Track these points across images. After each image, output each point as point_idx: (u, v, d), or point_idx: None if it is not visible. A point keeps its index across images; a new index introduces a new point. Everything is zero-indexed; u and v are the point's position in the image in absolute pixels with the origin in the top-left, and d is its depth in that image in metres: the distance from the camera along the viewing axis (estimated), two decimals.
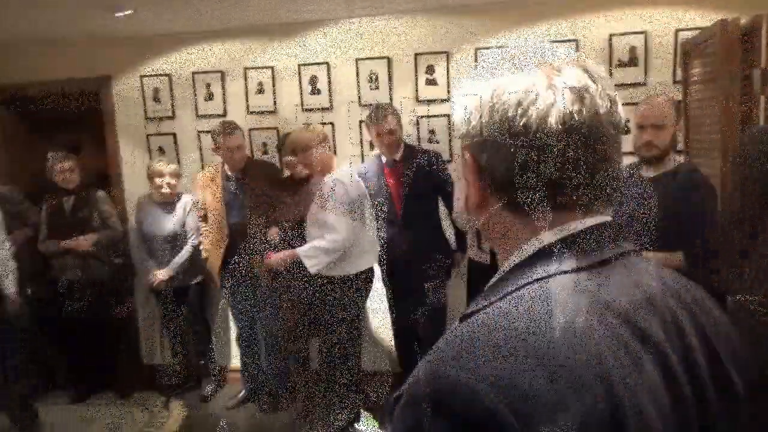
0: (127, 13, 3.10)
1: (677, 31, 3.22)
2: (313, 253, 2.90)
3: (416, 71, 3.53)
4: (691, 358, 0.66)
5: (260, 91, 3.73)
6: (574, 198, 0.67)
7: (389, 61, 3.55)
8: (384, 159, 3.24)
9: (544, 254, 0.67)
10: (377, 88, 3.58)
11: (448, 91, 3.50)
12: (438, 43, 3.49)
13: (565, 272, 0.64)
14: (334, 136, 3.62)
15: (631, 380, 0.59)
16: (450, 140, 3.54)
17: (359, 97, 3.61)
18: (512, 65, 0.69)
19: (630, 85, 3.28)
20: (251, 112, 3.76)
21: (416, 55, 3.51)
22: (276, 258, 3.04)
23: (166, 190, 3.54)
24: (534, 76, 0.66)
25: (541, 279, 0.64)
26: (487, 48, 3.43)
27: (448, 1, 3.36)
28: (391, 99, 3.57)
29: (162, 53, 3.82)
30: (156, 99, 3.86)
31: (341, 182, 2.90)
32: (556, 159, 0.65)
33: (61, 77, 3.87)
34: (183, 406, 3.64)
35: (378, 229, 3.19)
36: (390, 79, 3.57)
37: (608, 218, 0.70)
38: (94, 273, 3.58)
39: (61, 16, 3.23)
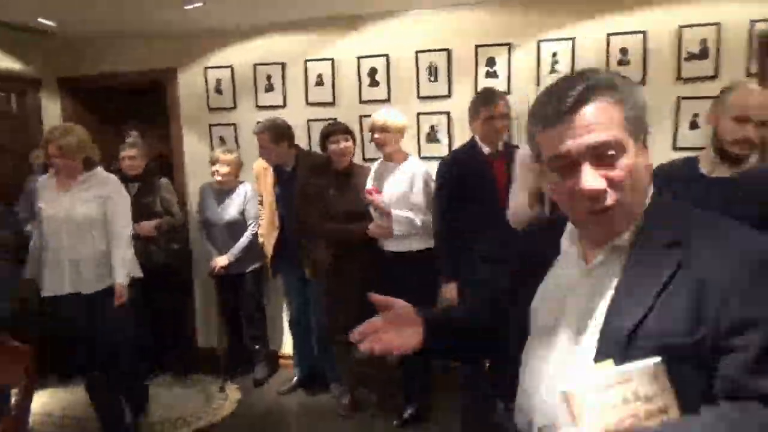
0: (196, 5, 3.19)
1: (752, 22, 3.09)
2: (404, 221, 3.06)
3: (476, 63, 3.51)
4: None
5: (319, 83, 3.78)
6: None
7: (449, 53, 3.54)
8: (485, 149, 2.92)
9: None
10: (436, 80, 3.58)
11: (509, 84, 3.46)
12: (499, 34, 3.45)
13: None
14: None
15: None
16: (509, 131, 3.49)
17: (418, 90, 3.62)
18: None
19: (699, 78, 3.17)
20: (310, 104, 3.82)
21: (477, 47, 3.49)
22: (377, 201, 3.08)
23: (218, 177, 3.64)
24: None
25: None
26: (550, 40, 3.38)
27: None
28: (450, 92, 3.57)
29: (226, 46, 3.93)
30: (218, 90, 3.97)
31: (427, 171, 3.13)
32: None
33: (131, 69, 4.03)
34: (238, 389, 3.73)
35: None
36: (449, 71, 3.55)
37: None
38: (153, 258, 3.70)
39: (130, 10, 3.36)
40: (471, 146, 2.97)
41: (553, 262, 1.10)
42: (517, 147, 3.08)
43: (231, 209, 3.70)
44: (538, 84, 3.41)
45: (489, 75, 3.50)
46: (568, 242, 1.08)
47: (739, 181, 1.91)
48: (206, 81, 3.98)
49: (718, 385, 0.86)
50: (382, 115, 3.12)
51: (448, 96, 3.58)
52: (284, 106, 3.84)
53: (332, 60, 3.74)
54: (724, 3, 3.13)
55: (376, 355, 1.10)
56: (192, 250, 4.10)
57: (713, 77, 3.15)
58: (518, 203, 2.45)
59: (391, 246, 3.16)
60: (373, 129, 3.13)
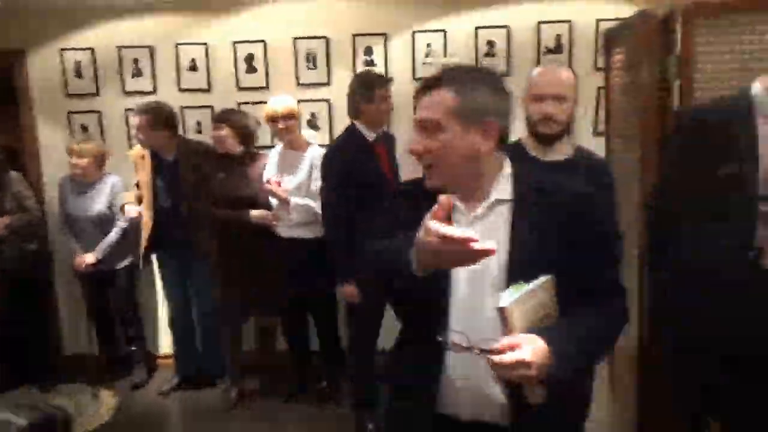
0: None
1: (598, 21, 3.45)
2: (302, 209, 3.05)
3: (354, 52, 3.56)
4: None
5: (193, 68, 3.61)
6: None
7: (327, 41, 3.55)
8: (369, 134, 2.89)
9: None
10: (315, 67, 3.58)
11: (386, 72, 3.55)
12: (375, 24, 3.53)
13: None
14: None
15: None
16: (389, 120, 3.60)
17: (297, 77, 3.59)
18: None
19: None
20: (183, 90, 3.64)
21: (354, 35, 3.53)
22: (277, 190, 3.02)
23: (76, 170, 3.37)
24: None
25: None
26: (424, 31, 3.51)
27: None
28: (329, 79, 3.59)
29: (84, 26, 3.61)
30: (78, 74, 3.64)
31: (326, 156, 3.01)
32: None
33: None
34: (113, 395, 3.50)
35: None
36: (328, 59, 3.57)
37: None
38: (5, 260, 3.35)
39: None
40: (351, 133, 2.90)
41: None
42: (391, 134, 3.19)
43: (97, 203, 3.44)
44: (413, 73, 3.54)
45: (367, 63, 3.57)
46: (454, 199, 1.29)
47: (574, 163, 2.05)
48: (63, 64, 3.63)
49: (582, 282, 1.23)
50: (281, 103, 3.07)
51: (328, 84, 3.60)
52: (154, 91, 3.62)
53: (206, 44, 3.59)
54: (575, 2, 3.46)
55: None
56: (52, 250, 3.74)
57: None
58: None
59: (286, 233, 3.14)
60: (274, 117, 3.06)
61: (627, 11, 3.34)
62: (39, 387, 3.55)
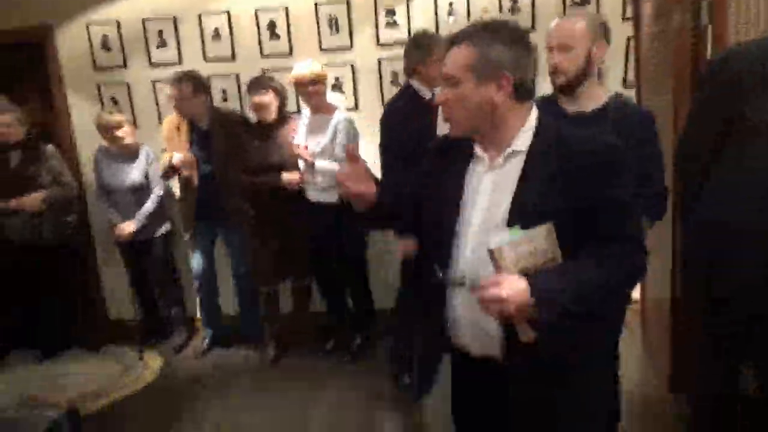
0: None
1: None
2: (327, 172, 3.09)
3: (376, 14, 3.53)
4: None
5: (217, 37, 3.63)
6: None
7: (348, 4, 3.53)
8: (426, 93, 2.83)
9: None
10: (337, 32, 3.57)
11: (409, 33, 3.52)
12: None
13: None
14: None
15: None
16: None
17: (320, 42, 3.59)
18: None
19: None
20: (208, 59, 3.67)
21: None
22: (304, 153, 3.12)
23: (126, 140, 3.47)
24: None
25: None
26: None
27: None
28: (351, 43, 3.58)
29: (108, 0, 3.64)
30: (105, 47, 3.70)
31: (350, 121, 3.13)
32: None
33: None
34: (157, 357, 3.65)
35: None
36: (350, 23, 3.55)
37: None
38: (44, 234, 3.47)
39: None
40: (407, 91, 2.85)
41: (471, 162, 1.42)
42: None
43: (133, 173, 3.53)
44: (437, 31, 3.50)
45: (389, 25, 3.54)
46: (478, 148, 1.40)
47: (604, 114, 1.94)
48: (90, 38, 3.69)
49: (595, 234, 1.27)
50: (311, 67, 3.09)
51: (350, 48, 3.59)
52: (180, 62, 3.66)
53: (228, 13, 3.60)
54: None
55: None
56: (90, 221, 3.86)
57: None
58: None
59: (315, 197, 3.20)
60: (303, 81, 3.09)
61: None
62: (87, 349, 3.74)
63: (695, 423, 2.30)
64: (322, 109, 3.18)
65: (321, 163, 3.11)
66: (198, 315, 3.98)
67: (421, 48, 2.80)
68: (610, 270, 1.25)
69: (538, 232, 1.22)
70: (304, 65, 3.11)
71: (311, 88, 3.08)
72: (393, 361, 3.12)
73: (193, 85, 3.27)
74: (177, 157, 3.28)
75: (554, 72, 1.95)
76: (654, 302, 3.11)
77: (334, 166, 3.09)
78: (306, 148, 3.13)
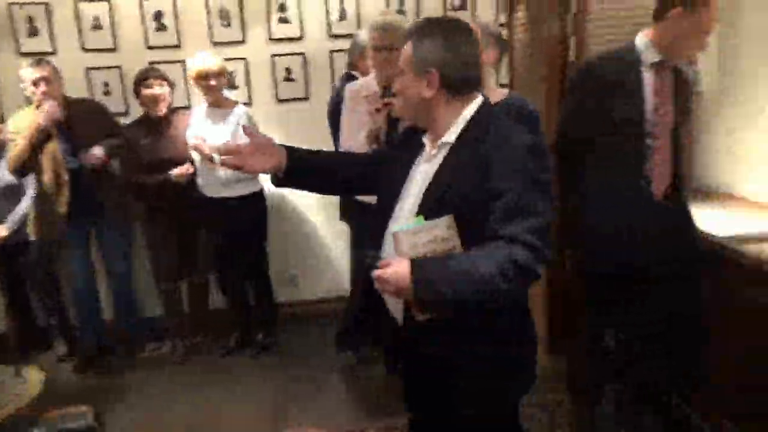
0: None
1: None
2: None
3: (268, 9, 3.55)
4: None
5: (97, 26, 3.43)
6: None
7: None
8: None
9: None
10: (229, 26, 3.54)
11: (302, 29, 3.60)
12: None
13: None
14: (184, 75, 3.48)
15: None
16: (305, 78, 3.67)
17: (211, 35, 3.53)
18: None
19: None
20: (87, 50, 3.46)
21: None
22: (203, 147, 3.04)
23: None
24: None
25: None
26: None
27: None
28: (244, 37, 3.57)
29: None
30: None
31: (250, 115, 3.18)
32: None
33: None
34: (39, 370, 3.37)
35: None
36: (242, 16, 3.54)
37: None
38: None
39: None
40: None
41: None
42: None
43: (3, 173, 3.23)
44: (329, 29, 3.62)
45: (282, 20, 3.59)
46: (425, 139, 1.51)
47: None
48: None
49: (486, 231, 1.32)
50: (211, 60, 3.04)
51: (243, 42, 3.58)
52: (54, 52, 3.41)
53: (109, 1, 3.41)
54: None
55: None
56: None
57: None
58: (358, 142, 2.47)
59: (213, 192, 3.15)
60: (207, 74, 3.03)
61: None
62: None
63: (570, 377, 2.67)
64: (221, 102, 3.15)
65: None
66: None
67: (359, 43, 2.96)
68: (487, 265, 1.26)
69: (438, 222, 1.30)
70: (207, 57, 3.06)
71: (213, 82, 3.05)
72: (341, 343, 3.18)
73: (53, 67, 3.07)
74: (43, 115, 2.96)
75: None
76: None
77: None
78: (205, 141, 3.09)
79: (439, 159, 1.43)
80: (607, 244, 2.23)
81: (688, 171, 2.33)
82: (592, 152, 2.26)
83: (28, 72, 3.02)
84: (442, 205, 1.34)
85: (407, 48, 1.42)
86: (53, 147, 3.10)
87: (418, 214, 1.37)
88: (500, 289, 1.27)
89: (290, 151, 1.53)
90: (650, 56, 2.13)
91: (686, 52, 2.11)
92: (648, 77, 2.14)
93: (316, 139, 3.49)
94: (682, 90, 2.19)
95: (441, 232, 1.30)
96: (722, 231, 2.27)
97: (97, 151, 3.07)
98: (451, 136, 1.43)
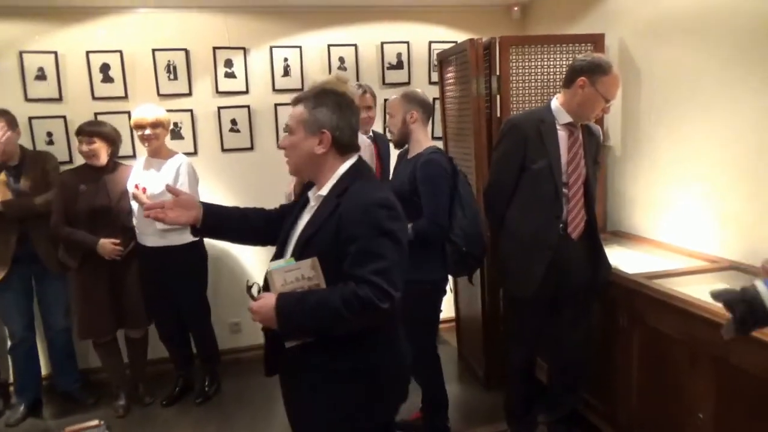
0: None
1: (430, 42, 4.05)
2: None
3: (215, 64, 3.72)
4: None
5: (41, 77, 3.48)
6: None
7: (187, 52, 3.67)
8: None
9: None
10: (176, 78, 3.67)
11: (247, 84, 3.78)
12: (235, 38, 3.73)
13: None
14: (130, 125, 3.55)
15: None
16: (250, 129, 3.83)
17: (158, 87, 3.65)
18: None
19: (398, 84, 4.01)
20: (30, 100, 3.48)
21: (214, 48, 3.70)
22: (142, 197, 3.11)
23: None
24: None
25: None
26: (281, 47, 3.80)
27: (242, 1, 3.63)
28: (190, 90, 3.71)
29: None
30: None
31: (191, 164, 3.24)
32: None
33: None
34: None
35: None
36: (189, 70, 3.69)
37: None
38: None
39: None
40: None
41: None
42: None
43: None
44: (273, 85, 3.82)
45: (228, 75, 3.76)
46: (310, 193, 1.74)
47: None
48: None
49: (344, 271, 1.50)
50: (150, 111, 3.12)
51: (189, 94, 3.72)
52: None
53: (56, 53, 3.48)
54: (411, 26, 4.02)
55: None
56: None
57: (407, 83, 4.04)
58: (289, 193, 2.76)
59: (152, 242, 3.19)
60: (141, 125, 3.11)
61: (452, 35, 4.01)
62: None
63: (507, 409, 2.86)
64: (161, 153, 3.22)
65: None
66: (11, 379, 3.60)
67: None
68: (335, 299, 1.45)
69: (305, 262, 1.52)
70: (147, 109, 3.15)
71: (151, 132, 3.14)
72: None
73: (8, 119, 3.11)
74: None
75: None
76: (468, 320, 3.71)
77: None
78: (144, 190, 3.14)
79: (314, 209, 1.65)
80: (528, 274, 2.49)
81: (599, 215, 2.63)
82: (516, 194, 2.54)
83: None
84: (308, 248, 1.55)
85: (301, 109, 1.63)
86: (3, 190, 3.09)
87: (291, 256, 1.59)
88: (345, 318, 1.45)
89: (206, 206, 1.77)
90: (562, 117, 2.44)
91: (591, 115, 2.44)
92: (563, 135, 2.45)
93: (260, 185, 3.71)
94: (591, 146, 2.52)
95: (306, 271, 1.51)
96: (633, 268, 2.57)
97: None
98: (324, 190, 1.64)
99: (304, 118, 1.62)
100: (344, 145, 1.64)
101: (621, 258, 2.76)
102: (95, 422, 2.70)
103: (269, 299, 1.51)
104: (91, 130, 3.13)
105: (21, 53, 3.44)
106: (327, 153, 1.62)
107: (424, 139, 2.68)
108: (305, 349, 1.57)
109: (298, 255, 1.56)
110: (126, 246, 3.18)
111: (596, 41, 3.19)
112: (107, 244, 3.12)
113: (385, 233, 1.50)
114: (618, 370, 2.57)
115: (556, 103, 2.48)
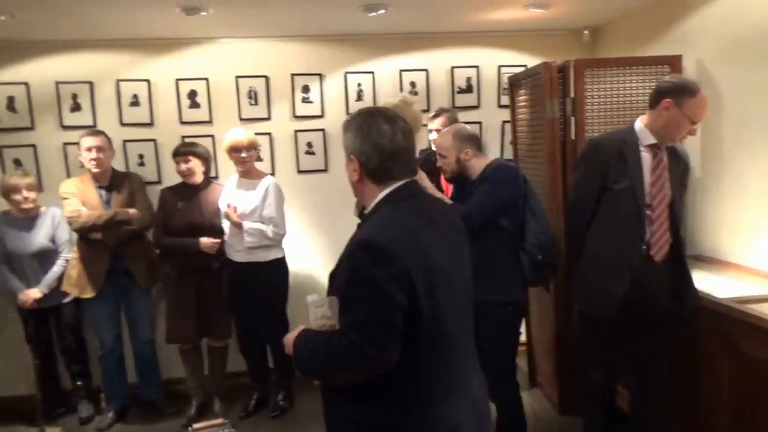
0: (1, 18, 2.94)
1: (499, 67, 4.11)
2: (255, 232, 3.30)
3: (293, 90, 3.90)
4: (464, 252, 1.57)
5: (135, 103, 3.74)
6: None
7: (267, 79, 3.86)
8: None
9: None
10: (256, 104, 3.87)
11: (322, 108, 3.93)
12: (312, 65, 3.91)
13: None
14: (214, 149, 3.78)
15: (438, 248, 1.44)
16: (325, 151, 3.97)
17: (239, 112, 3.85)
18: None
19: (468, 107, 4.08)
20: (125, 124, 3.74)
21: (293, 75, 3.88)
22: (232, 215, 3.29)
23: (27, 204, 3.36)
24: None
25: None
26: (355, 72, 3.95)
27: (319, 30, 3.80)
28: (269, 114, 3.89)
29: (18, 60, 3.60)
30: (11, 108, 3.61)
31: (278, 185, 3.39)
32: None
33: None
34: (62, 431, 3.43)
35: None
36: (268, 96, 3.88)
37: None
38: None
39: None
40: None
41: None
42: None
43: (39, 237, 3.41)
44: (347, 109, 3.96)
45: (305, 101, 3.93)
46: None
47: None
48: None
49: None
50: (245, 135, 3.31)
51: (268, 118, 3.90)
52: (94, 125, 3.68)
53: (148, 81, 3.74)
54: (480, 51, 4.09)
55: None
56: None
57: (477, 107, 4.10)
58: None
59: (240, 257, 3.35)
60: (237, 148, 3.30)
61: (522, 59, 4.06)
62: None
63: None
64: (252, 174, 3.41)
65: (249, 224, 3.31)
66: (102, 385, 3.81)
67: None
68: (325, 348, 1.38)
69: (327, 300, 1.46)
70: (241, 132, 3.34)
71: (246, 154, 3.32)
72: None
73: (107, 138, 3.39)
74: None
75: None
76: (540, 341, 3.68)
77: (261, 226, 3.31)
78: (235, 209, 3.32)
79: None
80: (607, 294, 2.47)
81: (684, 239, 2.59)
82: (597, 216, 2.54)
83: (87, 140, 3.31)
84: (332, 285, 1.50)
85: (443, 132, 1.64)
86: (99, 208, 3.35)
87: (328, 290, 1.52)
88: (333, 367, 1.39)
89: None
90: (646, 138, 2.44)
91: (676, 137, 2.42)
92: (646, 156, 2.45)
93: (334, 206, 3.82)
94: (677, 167, 2.50)
95: (325, 310, 1.46)
96: (720, 293, 2.51)
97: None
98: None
99: (344, 144, 1.54)
100: (373, 171, 1.49)
101: (706, 282, 2.69)
102: (220, 420, 2.86)
103: (294, 333, 1.51)
104: (186, 150, 3.37)
105: (118, 81, 3.71)
106: (362, 179, 1.51)
107: (482, 161, 2.74)
108: (323, 390, 1.54)
109: (329, 290, 1.50)
110: (220, 248, 3.39)
111: (673, 63, 3.17)
112: (207, 241, 3.34)
113: (365, 280, 1.33)
114: (706, 399, 2.50)
115: (640, 124, 2.48)
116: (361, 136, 1.48)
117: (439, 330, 1.41)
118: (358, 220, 2.58)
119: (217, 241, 3.37)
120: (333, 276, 1.49)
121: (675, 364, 2.58)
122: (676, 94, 2.35)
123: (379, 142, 1.46)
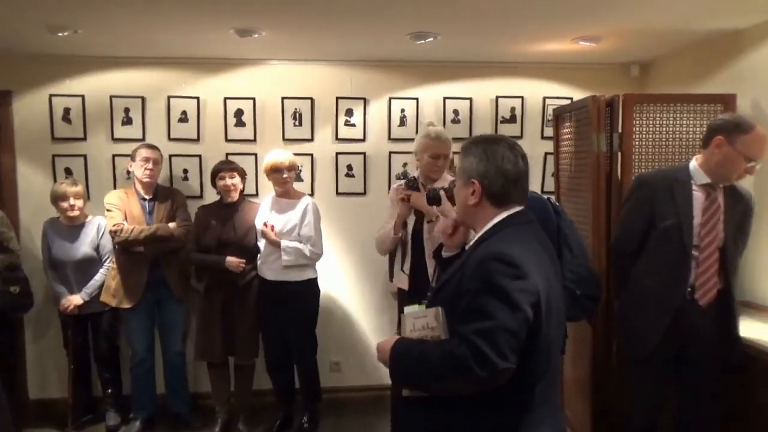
0: (65, 33, 3.08)
1: (545, 98, 4.08)
2: (292, 250, 3.32)
3: (336, 113, 3.95)
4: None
5: (183, 119, 3.84)
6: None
7: (312, 101, 3.92)
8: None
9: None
10: (300, 125, 3.92)
11: (365, 132, 3.96)
12: (356, 89, 3.95)
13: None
14: (256, 166, 3.84)
15: (552, 273, 1.48)
16: (365, 175, 3.99)
17: (283, 132, 3.91)
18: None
19: (511, 137, 4.03)
20: (172, 139, 3.84)
21: (337, 98, 3.93)
22: (270, 233, 3.34)
23: (74, 212, 3.46)
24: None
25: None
26: (399, 98, 3.98)
27: (365, 56, 3.85)
28: (312, 136, 3.94)
29: (76, 74, 3.75)
30: (66, 119, 3.75)
31: (316, 204, 3.45)
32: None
33: None
34: None
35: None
36: (312, 117, 3.93)
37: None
38: None
39: None
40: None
41: None
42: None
43: (84, 245, 3.50)
44: (389, 134, 3.98)
45: (347, 124, 3.97)
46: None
47: None
48: (51, 108, 3.73)
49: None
50: (286, 156, 3.36)
51: (311, 139, 3.95)
52: (143, 139, 3.79)
53: (198, 98, 3.84)
54: (525, 81, 4.08)
55: None
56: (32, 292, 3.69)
57: (520, 137, 4.07)
58: (387, 227, 3.02)
59: (272, 276, 3.36)
60: (279, 169, 3.35)
61: (567, 91, 4.03)
62: None
63: None
64: (290, 193, 3.44)
65: (287, 242, 3.33)
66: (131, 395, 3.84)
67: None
68: (434, 357, 1.39)
69: (429, 311, 1.50)
70: (282, 154, 3.39)
71: (286, 175, 3.36)
72: None
73: (161, 154, 3.50)
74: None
75: None
76: (574, 380, 3.56)
77: (298, 245, 3.33)
78: (273, 228, 3.35)
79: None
80: (646, 333, 2.41)
81: (735, 285, 2.49)
82: (643, 253, 2.47)
83: (144, 151, 3.45)
84: (438, 297, 1.54)
85: (460, 160, 1.63)
86: (141, 221, 3.44)
87: (427, 301, 1.58)
88: (440, 376, 1.38)
89: None
90: (699, 178, 2.38)
91: (731, 176, 2.34)
92: (698, 196, 2.37)
93: (370, 229, 3.75)
94: (735, 210, 2.40)
95: (430, 320, 1.48)
96: None
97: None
98: (472, 240, 1.61)
99: (461, 168, 1.60)
100: (496, 195, 1.54)
101: (756, 331, 2.57)
102: None
103: (391, 341, 1.52)
104: (232, 167, 3.46)
105: (169, 98, 3.82)
106: (480, 203, 1.55)
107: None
108: (422, 403, 1.51)
109: (431, 302, 1.55)
110: (247, 267, 3.41)
111: (727, 102, 3.09)
112: (233, 260, 3.36)
113: (495, 290, 1.35)
114: None
115: (694, 163, 2.42)
116: (486, 161, 1.53)
117: (548, 354, 1.45)
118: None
119: (243, 261, 3.39)
120: (437, 290, 1.56)
121: (726, 413, 2.46)
122: (729, 131, 2.29)
123: (504, 167, 1.53)
